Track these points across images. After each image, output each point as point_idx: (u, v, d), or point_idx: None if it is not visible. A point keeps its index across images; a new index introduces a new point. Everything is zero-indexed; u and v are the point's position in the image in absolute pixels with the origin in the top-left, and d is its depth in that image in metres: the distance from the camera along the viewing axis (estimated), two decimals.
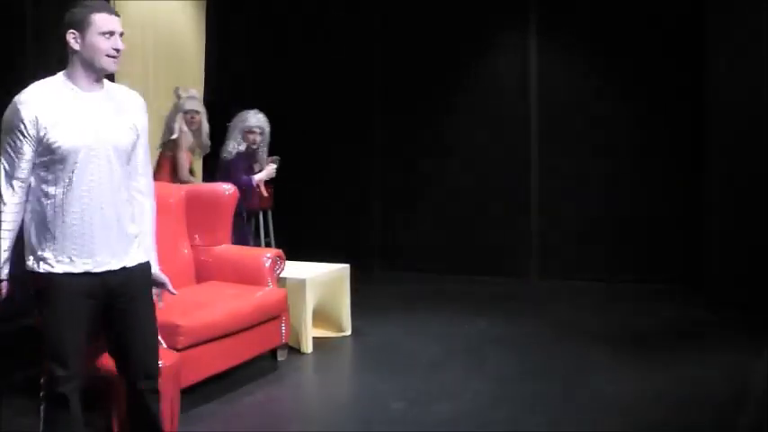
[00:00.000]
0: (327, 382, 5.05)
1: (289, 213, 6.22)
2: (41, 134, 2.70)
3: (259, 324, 4.65)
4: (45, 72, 2.86)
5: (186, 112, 5.94)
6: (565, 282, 7.43)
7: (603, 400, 4.29)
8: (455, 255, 7.92)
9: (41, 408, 2.83)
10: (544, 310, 6.52)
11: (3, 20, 5.14)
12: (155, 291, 3.03)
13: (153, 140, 6.42)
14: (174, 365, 3.62)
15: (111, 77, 2.94)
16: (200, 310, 4.33)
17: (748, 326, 5.69)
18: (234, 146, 5.95)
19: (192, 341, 4.09)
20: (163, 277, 3.05)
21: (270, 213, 6.63)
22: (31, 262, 2.76)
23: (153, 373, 2.95)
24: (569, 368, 4.88)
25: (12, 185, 2.72)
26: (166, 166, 5.92)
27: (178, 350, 3.90)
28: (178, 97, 6.03)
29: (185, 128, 5.93)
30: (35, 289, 2.77)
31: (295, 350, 5.18)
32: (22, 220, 2.78)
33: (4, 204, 2.72)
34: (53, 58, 2.84)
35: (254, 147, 6.01)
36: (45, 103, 2.73)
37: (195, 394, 4.14)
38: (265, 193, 6.12)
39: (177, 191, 5.17)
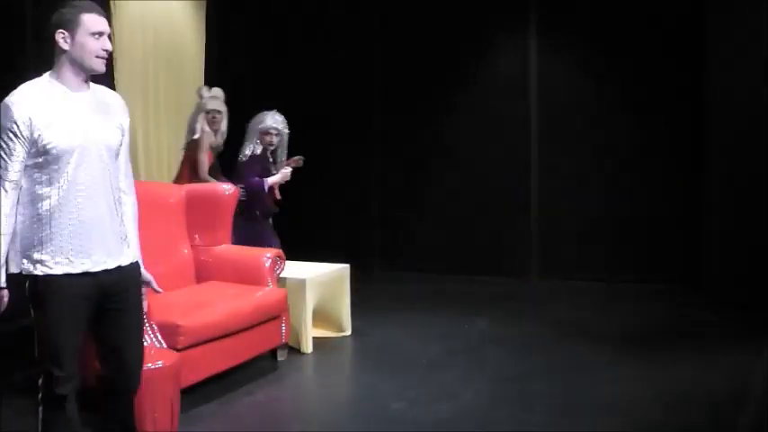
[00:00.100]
0: (327, 382, 5.05)
1: (289, 213, 6.20)
2: (35, 135, 2.70)
3: (259, 324, 4.65)
4: (45, 72, 2.86)
5: (208, 112, 5.96)
6: (565, 282, 7.43)
7: (603, 400, 4.29)
8: (455, 255, 7.93)
9: (39, 409, 2.82)
10: (544, 310, 6.52)
11: (3, 20, 5.14)
12: (141, 289, 3.04)
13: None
14: (174, 365, 3.62)
15: (99, 79, 2.94)
16: (200, 310, 4.33)
17: (748, 326, 5.70)
18: (250, 147, 5.91)
19: (192, 341, 4.09)
20: (148, 276, 3.06)
21: None
22: (26, 265, 2.74)
23: (139, 373, 2.99)
24: (569, 368, 4.88)
25: (4, 188, 2.70)
26: (188, 165, 5.94)
27: (178, 350, 3.90)
28: (200, 97, 6.04)
29: (207, 128, 5.95)
30: (31, 291, 2.75)
31: (295, 350, 5.18)
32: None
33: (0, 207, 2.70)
34: (53, 59, 2.83)
35: (272, 148, 5.97)
36: (37, 103, 2.73)
37: (195, 394, 4.14)
38: (278, 196, 6.07)
39: (177, 191, 5.17)
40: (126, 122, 2.97)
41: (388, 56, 8.22)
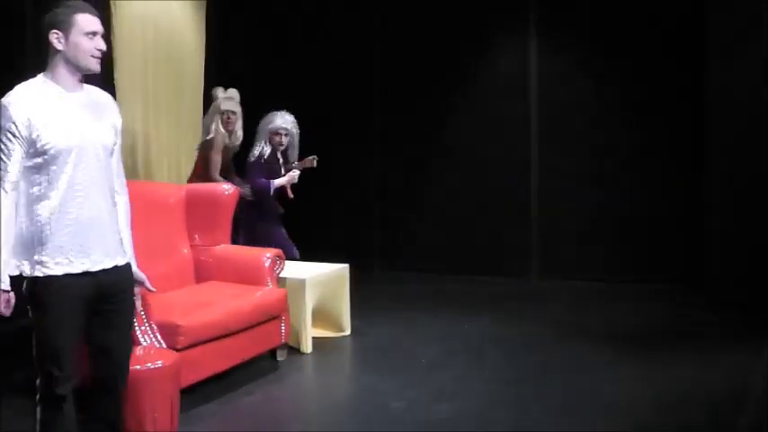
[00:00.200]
0: (327, 382, 5.05)
1: (288, 213, 6.20)
2: (34, 135, 2.70)
3: (259, 324, 4.65)
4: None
5: (223, 113, 5.98)
6: (565, 282, 7.43)
7: (603, 400, 4.29)
8: (455, 255, 7.92)
9: (37, 409, 2.82)
10: (544, 310, 6.52)
11: (3, 20, 5.14)
12: (135, 289, 3.05)
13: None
14: (173, 365, 3.62)
15: (99, 79, 2.94)
16: (200, 310, 4.33)
17: (748, 326, 5.69)
18: (259, 148, 5.91)
19: (192, 341, 4.09)
20: (141, 275, 3.07)
21: None
22: (26, 267, 2.74)
23: (128, 373, 3.01)
24: (569, 368, 4.88)
25: (4, 189, 2.70)
26: (201, 165, 5.96)
27: (178, 350, 3.90)
28: (216, 98, 6.06)
29: (222, 128, 5.97)
30: (30, 293, 2.75)
31: (295, 350, 5.18)
32: None
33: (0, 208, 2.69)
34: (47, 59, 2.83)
35: (281, 148, 5.97)
36: (35, 103, 2.73)
37: (195, 394, 4.14)
38: (291, 195, 6.05)
39: (177, 191, 5.18)
40: (119, 123, 2.98)
41: (388, 56, 8.21)
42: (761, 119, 6.04)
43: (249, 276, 4.95)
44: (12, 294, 2.70)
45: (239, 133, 6.10)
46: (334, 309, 5.63)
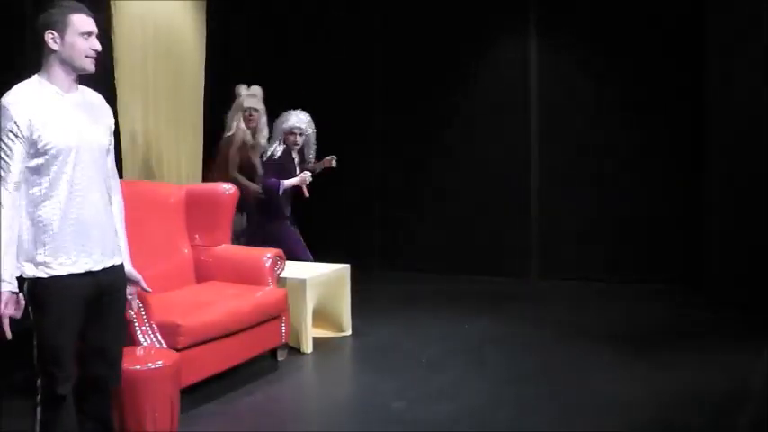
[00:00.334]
0: (327, 382, 5.05)
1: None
2: (35, 136, 2.70)
3: (259, 324, 4.64)
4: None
5: (245, 110, 5.97)
6: (565, 282, 7.43)
7: (603, 400, 4.28)
8: (455, 255, 7.93)
9: (37, 410, 2.82)
10: (544, 310, 6.52)
11: (3, 20, 5.14)
12: (130, 289, 3.06)
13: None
14: (173, 365, 3.62)
15: (86, 80, 2.94)
16: (200, 310, 4.33)
17: (748, 326, 5.70)
18: (273, 147, 5.90)
19: (192, 341, 4.08)
20: (137, 275, 3.08)
21: None
22: (28, 269, 2.74)
23: (120, 372, 3.03)
24: (569, 368, 4.88)
25: (7, 189, 2.69)
26: (220, 162, 5.97)
27: (178, 350, 3.90)
28: (239, 95, 6.06)
29: (243, 125, 5.96)
30: (31, 294, 2.74)
31: (295, 350, 5.18)
32: None
33: (3, 208, 2.68)
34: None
35: (296, 147, 5.95)
36: (34, 104, 2.73)
37: (195, 394, 4.14)
38: (306, 195, 6.03)
39: (177, 191, 5.17)
40: (112, 123, 3.01)
41: (388, 56, 8.22)
42: (761, 119, 6.05)
43: (249, 276, 4.94)
44: (21, 296, 2.70)
45: (264, 131, 6.09)
46: (335, 309, 5.63)
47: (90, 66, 2.83)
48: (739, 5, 6.38)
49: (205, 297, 4.64)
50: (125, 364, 3.15)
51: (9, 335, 2.66)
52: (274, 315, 4.79)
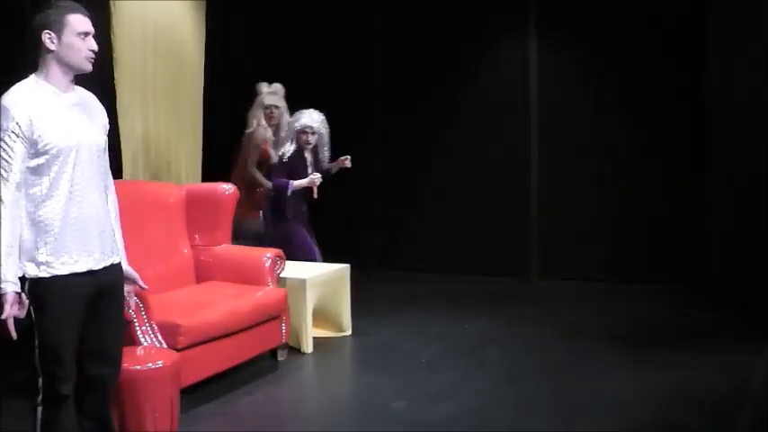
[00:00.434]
0: (327, 382, 5.05)
1: None
2: (35, 135, 2.71)
3: (259, 324, 4.65)
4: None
5: (266, 108, 5.98)
6: (565, 282, 7.43)
7: (603, 399, 4.29)
8: (455, 255, 7.92)
9: (39, 410, 2.82)
10: (544, 310, 6.52)
11: (3, 20, 5.14)
12: (127, 287, 3.07)
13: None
14: (174, 365, 3.62)
15: (81, 81, 2.94)
16: (200, 310, 4.33)
17: (748, 326, 5.70)
18: (286, 147, 5.88)
19: (192, 341, 4.09)
20: (133, 273, 3.09)
21: None
22: (30, 269, 2.73)
23: (119, 370, 3.03)
24: (569, 368, 4.88)
25: (9, 189, 2.69)
26: (240, 159, 5.98)
27: (178, 350, 3.90)
28: (260, 92, 6.06)
29: (264, 122, 5.97)
30: (32, 294, 2.73)
31: (295, 350, 5.18)
32: None
33: (5, 208, 2.68)
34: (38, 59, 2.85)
35: (309, 147, 5.93)
36: (34, 104, 2.74)
37: (195, 394, 4.14)
38: (315, 195, 6.02)
39: (177, 191, 5.18)
40: (107, 122, 3.02)
41: (388, 56, 8.21)
42: (761, 119, 6.05)
43: (249, 276, 4.94)
44: (23, 296, 2.71)
45: (285, 127, 6.08)
46: (335, 309, 5.63)
47: (87, 66, 2.84)
48: (739, 5, 6.38)
49: (205, 297, 4.64)
50: (125, 364, 3.16)
51: (15, 335, 2.67)
52: (274, 315, 4.79)
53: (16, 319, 2.68)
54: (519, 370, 4.87)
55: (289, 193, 5.78)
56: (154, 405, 3.48)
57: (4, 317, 2.64)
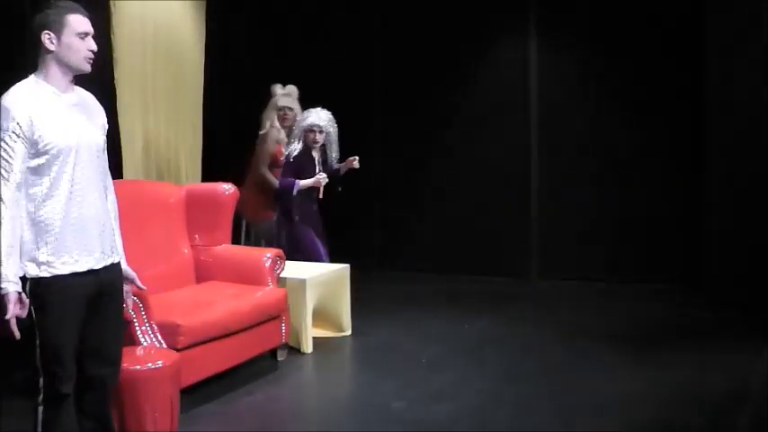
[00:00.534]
0: (327, 382, 5.05)
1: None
2: (36, 135, 2.71)
3: (259, 324, 4.65)
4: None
5: (280, 109, 6.00)
6: (565, 282, 7.42)
7: (603, 399, 4.29)
8: (455, 255, 7.92)
9: (39, 409, 2.82)
10: (544, 310, 6.52)
11: (3, 20, 5.14)
12: (125, 287, 3.08)
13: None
14: (174, 365, 3.62)
15: (81, 81, 2.94)
16: (200, 310, 4.33)
17: (748, 326, 5.70)
18: (293, 146, 5.87)
19: (192, 341, 4.09)
20: (131, 273, 3.09)
21: None
22: (31, 269, 2.74)
23: (119, 370, 3.03)
24: (569, 368, 4.88)
25: (10, 189, 2.69)
26: (254, 159, 6.00)
27: (178, 350, 3.90)
28: (274, 94, 6.08)
29: (277, 124, 5.99)
30: (33, 294, 2.74)
31: (295, 350, 5.18)
32: None
33: (6, 208, 2.68)
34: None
35: (316, 146, 5.90)
36: (34, 104, 2.74)
37: (195, 394, 4.14)
38: (320, 195, 6.00)
39: (177, 191, 5.18)
40: (105, 122, 3.02)
41: (388, 56, 8.21)
42: (761, 119, 6.05)
43: (249, 276, 4.95)
44: (24, 295, 2.71)
45: None
46: (335, 309, 5.63)
47: (87, 66, 2.85)
48: (739, 5, 6.38)
49: (205, 297, 4.64)
50: (125, 364, 3.16)
51: (18, 335, 2.68)
52: (274, 315, 4.79)
53: (17, 319, 2.68)
54: (519, 370, 4.87)
55: (294, 192, 5.75)
56: (154, 405, 3.48)
57: (8, 317, 2.64)
